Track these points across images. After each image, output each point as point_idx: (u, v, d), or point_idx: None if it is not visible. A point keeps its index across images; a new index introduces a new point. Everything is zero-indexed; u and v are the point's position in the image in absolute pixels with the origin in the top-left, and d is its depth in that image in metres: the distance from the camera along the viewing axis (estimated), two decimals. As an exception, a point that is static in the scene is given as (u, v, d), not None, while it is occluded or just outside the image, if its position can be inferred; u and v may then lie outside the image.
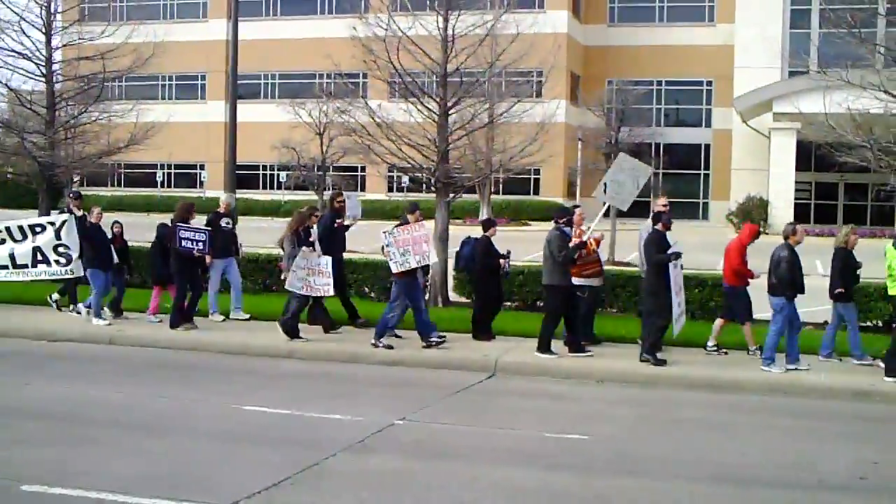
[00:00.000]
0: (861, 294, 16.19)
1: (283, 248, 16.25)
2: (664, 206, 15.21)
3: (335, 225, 16.77)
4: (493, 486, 8.47)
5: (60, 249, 17.73)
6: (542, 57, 24.25)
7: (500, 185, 53.68)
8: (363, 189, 57.78)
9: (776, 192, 47.49)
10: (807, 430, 11.14)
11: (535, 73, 32.19)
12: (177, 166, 64.24)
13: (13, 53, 22.78)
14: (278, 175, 56.19)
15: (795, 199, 47.99)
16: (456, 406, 11.95)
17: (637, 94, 53.26)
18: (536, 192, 56.24)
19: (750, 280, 14.73)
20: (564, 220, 14.92)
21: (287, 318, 15.44)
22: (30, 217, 19.57)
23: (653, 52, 58.38)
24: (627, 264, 25.46)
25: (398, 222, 15.71)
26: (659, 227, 14.37)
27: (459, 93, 19.61)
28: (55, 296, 18.51)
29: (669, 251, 13.96)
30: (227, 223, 17.70)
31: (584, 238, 14.95)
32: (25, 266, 17.97)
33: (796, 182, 48.10)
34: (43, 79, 22.97)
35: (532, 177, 55.01)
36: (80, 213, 17.86)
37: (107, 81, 24.63)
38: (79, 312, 17.63)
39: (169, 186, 63.22)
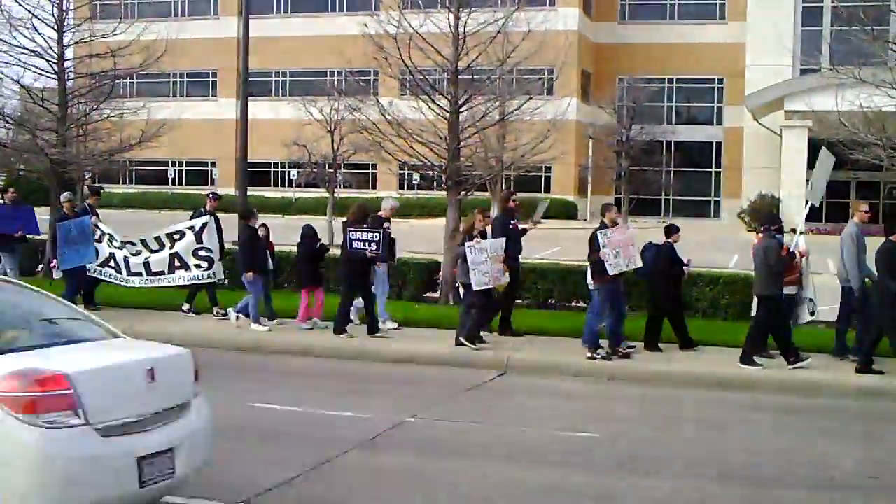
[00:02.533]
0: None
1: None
2: (866, 211, 14.80)
3: (510, 226, 15.81)
4: (504, 484, 8.48)
5: (201, 253, 16.91)
6: (554, 54, 24.25)
7: (511, 183, 53.57)
8: (374, 186, 57.82)
9: (788, 191, 47.32)
10: (816, 429, 11.12)
11: (547, 71, 32.16)
12: (188, 163, 64.36)
13: (25, 51, 22.82)
14: (289, 172, 56.22)
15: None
16: (467, 404, 11.96)
17: (648, 91, 53.33)
18: (548, 190, 56.14)
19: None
20: (776, 227, 14.25)
21: (471, 328, 14.59)
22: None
23: (664, 49, 58.25)
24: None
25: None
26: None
27: (470, 90, 19.62)
28: (185, 306, 17.56)
29: None
30: (388, 227, 16.34)
31: (793, 247, 14.34)
32: (161, 273, 17.14)
33: (808, 180, 47.93)
34: (55, 76, 23.01)
35: (543, 174, 54.92)
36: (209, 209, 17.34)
37: (118, 78, 24.68)
38: (224, 315, 16.83)
39: (180, 183, 63.34)
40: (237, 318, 16.31)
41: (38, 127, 23.69)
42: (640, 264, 14.47)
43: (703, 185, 59.44)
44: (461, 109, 19.45)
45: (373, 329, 15.42)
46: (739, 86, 54.05)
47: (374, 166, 52.89)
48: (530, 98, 21.81)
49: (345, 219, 15.86)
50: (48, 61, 22.85)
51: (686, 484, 8.64)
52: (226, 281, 17.79)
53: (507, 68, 21.19)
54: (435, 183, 21.20)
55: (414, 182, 53.90)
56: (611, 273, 13.88)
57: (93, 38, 23.93)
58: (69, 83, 23.65)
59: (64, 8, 22.92)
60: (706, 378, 13.35)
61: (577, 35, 53.39)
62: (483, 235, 14.94)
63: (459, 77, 19.41)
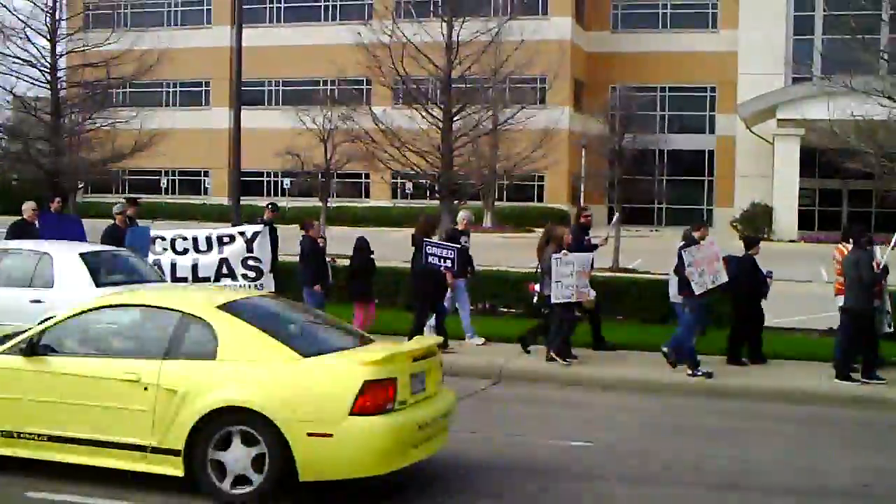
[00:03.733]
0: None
1: (539, 269, 14.91)
2: None
3: (584, 242, 15.56)
4: (496, 494, 8.47)
5: (250, 262, 16.45)
6: (546, 64, 24.37)
7: (504, 192, 53.71)
8: (367, 196, 57.84)
9: (780, 199, 47.41)
10: (810, 437, 11.12)
11: (539, 80, 32.26)
12: (181, 173, 64.23)
13: (18, 60, 22.87)
14: (282, 182, 56.22)
15: (799, 205, 47.92)
16: (461, 413, 11.91)
17: (640, 100, 53.38)
18: (540, 199, 56.17)
19: None
20: (866, 238, 13.85)
21: (557, 341, 14.34)
22: (201, 228, 17.85)
23: (656, 58, 58.34)
24: (633, 270, 25.37)
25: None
26: None
27: (463, 99, 19.69)
28: None
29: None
30: (466, 241, 16.00)
31: (883, 260, 13.88)
32: (207, 279, 16.54)
33: (800, 189, 48.02)
34: (48, 86, 23.06)
35: (536, 183, 54.94)
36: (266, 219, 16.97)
37: (111, 88, 24.78)
38: None
39: (173, 193, 63.22)
40: None
41: (31, 136, 23.72)
42: (725, 279, 14.14)
43: (695, 194, 59.48)
44: (454, 118, 19.51)
45: (443, 345, 15.07)
46: (731, 94, 54.18)
47: (366, 175, 52.90)
48: (523, 107, 21.91)
49: (413, 232, 15.47)
50: (41, 71, 22.90)
51: (679, 492, 8.64)
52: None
53: (500, 77, 21.28)
54: (428, 192, 21.17)
55: (407, 191, 53.92)
56: (696, 293, 13.73)
57: (86, 48, 23.98)
58: (62, 93, 23.69)
59: (57, 18, 22.98)
60: (702, 388, 13.35)
61: (570, 44, 53.51)
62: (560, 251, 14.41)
63: (452, 86, 19.47)
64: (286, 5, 62.31)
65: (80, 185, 27.92)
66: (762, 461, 9.76)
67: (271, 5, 62.25)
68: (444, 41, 19.17)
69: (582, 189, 54.37)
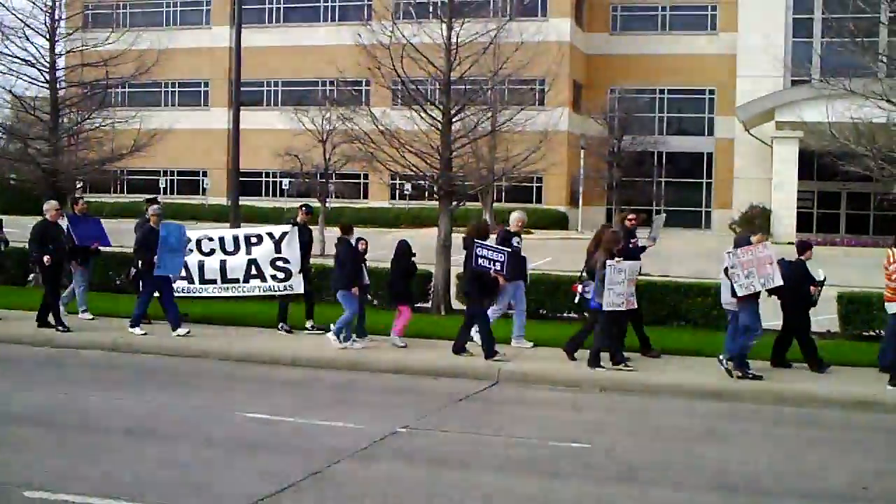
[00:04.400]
0: (864, 303, 16.29)
1: (585, 274, 14.73)
2: None
3: (630, 245, 15.29)
4: (495, 495, 8.47)
5: (279, 263, 16.46)
6: (545, 65, 24.35)
7: (503, 193, 53.72)
8: (366, 197, 57.84)
9: (779, 202, 47.47)
10: (808, 440, 11.12)
11: (538, 82, 32.25)
12: (180, 173, 64.25)
13: (17, 59, 22.84)
14: (281, 182, 56.21)
15: (798, 208, 47.98)
16: (459, 414, 11.95)
17: (639, 102, 53.53)
18: (539, 201, 56.22)
19: None
20: None
21: (602, 349, 14.14)
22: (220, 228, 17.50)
23: (655, 60, 58.40)
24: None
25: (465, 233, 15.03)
26: None
27: (463, 101, 19.67)
28: (284, 326, 16.65)
29: None
30: (519, 242, 15.73)
31: None
32: (236, 281, 16.64)
33: (799, 191, 48.08)
34: (47, 85, 23.02)
35: (535, 185, 55.00)
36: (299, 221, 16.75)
37: (110, 88, 24.72)
38: (319, 330, 16.24)
39: (172, 193, 63.21)
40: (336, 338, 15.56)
41: (30, 136, 23.71)
42: (779, 283, 13.80)
43: (694, 196, 59.55)
44: (453, 120, 19.49)
45: (459, 350, 14.88)
46: (730, 97, 54.26)
47: (365, 176, 52.92)
48: (522, 108, 21.88)
49: (464, 234, 15.25)
50: (40, 70, 22.86)
51: (676, 495, 8.64)
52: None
53: (500, 79, 21.27)
54: (427, 193, 21.18)
55: (405, 192, 53.95)
56: (739, 294, 13.59)
57: (85, 48, 23.95)
58: (61, 92, 23.66)
59: (56, 17, 22.94)
60: (700, 390, 13.35)
61: (569, 46, 53.53)
62: (612, 255, 14.12)
63: (452, 87, 19.46)
64: (285, 6, 62.33)
65: (78, 185, 27.89)
66: (759, 463, 9.77)
67: (270, 6, 62.26)
68: (443, 42, 19.14)
69: (581, 190, 54.49)
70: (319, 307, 17.11)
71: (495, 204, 52.17)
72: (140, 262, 16.29)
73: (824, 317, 16.45)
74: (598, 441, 10.49)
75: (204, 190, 63.08)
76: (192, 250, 16.86)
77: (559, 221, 54.26)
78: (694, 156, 59.50)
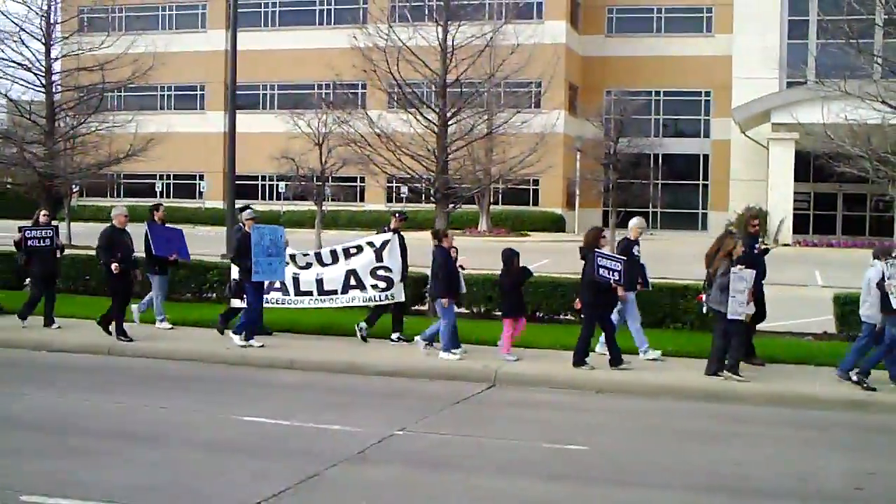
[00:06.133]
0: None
1: (709, 280, 14.28)
2: None
3: (755, 251, 15.03)
4: (492, 497, 8.47)
5: (380, 272, 16.20)
6: (541, 68, 24.36)
7: (500, 196, 53.80)
8: (362, 200, 57.88)
9: (775, 203, 47.52)
10: (804, 441, 11.12)
11: (534, 84, 32.27)
12: (176, 177, 64.28)
13: (13, 64, 22.87)
14: (277, 186, 56.25)
15: (794, 209, 48.05)
16: (456, 417, 11.94)
17: (635, 104, 53.48)
18: (536, 203, 56.31)
19: None
20: None
21: (732, 362, 13.73)
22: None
23: (651, 62, 58.50)
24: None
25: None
26: None
27: (459, 103, 19.70)
28: (362, 325, 16.29)
29: None
30: (637, 250, 15.28)
31: None
32: (334, 292, 16.40)
33: (795, 193, 48.17)
34: (42, 89, 23.07)
35: (531, 187, 55.09)
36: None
37: (106, 92, 24.76)
38: (404, 340, 16.00)
39: (168, 197, 63.23)
40: (425, 346, 15.30)
41: (26, 140, 23.71)
42: None
43: (690, 198, 59.64)
44: (449, 122, 19.52)
45: (616, 361, 14.38)
46: (726, 98, 54.33)
47: (362, 179, 52.98)
48: (518, 111, 21.91)
49: (581, 244, 14.79)
50: (36, 74, 22.91)
51: (673, 496, 8.64)
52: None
53: (495, 81, 21.30)
54: (423, 196, 21.19)
55: (402, 195, 53.99)
56: (895, 307, 12.91)
57: (81, 51, 23.97)
58: (57, 96, 23.71)
59: (52, 21, 22.97)
60: (697, 392, 13.35)
61: (565, 48, 53.61)
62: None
63: (448, 90, 19.48)
64: (281, 9, 62.41)
65: (74, 189, 27.88)
66: (755, 464, 9.78)
67: (266, 9, 62.35)
68: (439, 45, 19.16)
69: (577, 193, 54.52)
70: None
71: (492, 206, 52.38)
72: (238, 271, 16.02)
73: (821, 318, 16.46)
74: (595, 443, 10.49)
75: (200, 193, 63.10)
76: (287, 263, 16.40)
77: (556, 224, 54.36)
78: (690, 158, 59.58)
